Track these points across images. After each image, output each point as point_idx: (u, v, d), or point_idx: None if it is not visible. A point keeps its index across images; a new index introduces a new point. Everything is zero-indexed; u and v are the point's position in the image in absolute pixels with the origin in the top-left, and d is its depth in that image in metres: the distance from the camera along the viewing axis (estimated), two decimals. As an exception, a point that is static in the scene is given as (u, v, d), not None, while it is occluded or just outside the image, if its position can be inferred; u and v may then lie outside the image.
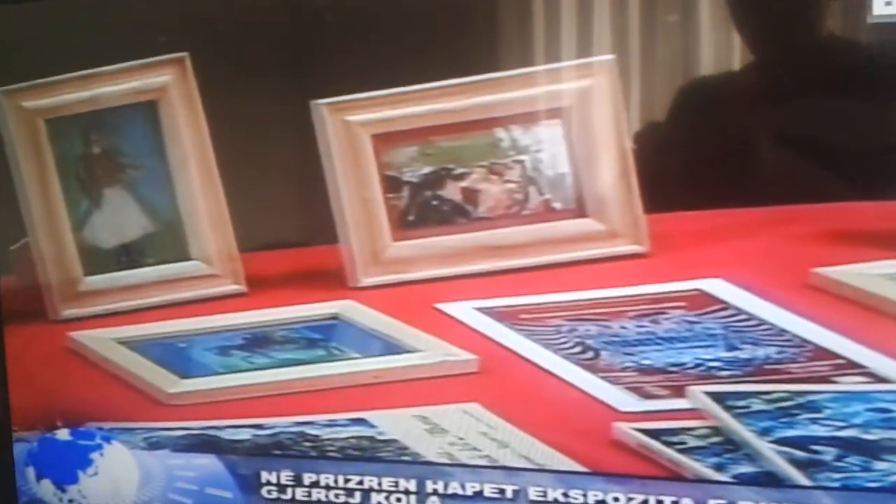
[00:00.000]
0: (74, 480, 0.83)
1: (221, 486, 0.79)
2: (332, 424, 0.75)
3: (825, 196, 0.65)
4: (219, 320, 0.78)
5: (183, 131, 0.75)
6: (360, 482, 0.75)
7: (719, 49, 0.66)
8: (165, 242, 0.78)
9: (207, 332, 0.78)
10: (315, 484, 0.76)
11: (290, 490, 0.77)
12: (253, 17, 0.74)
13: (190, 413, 0.78)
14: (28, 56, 0.79)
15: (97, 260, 0.79)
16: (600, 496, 0.70)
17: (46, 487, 0.83)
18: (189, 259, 0.77)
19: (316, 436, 0.76)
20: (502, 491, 0.72)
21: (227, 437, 0.78)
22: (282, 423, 0.76)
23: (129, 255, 0.79)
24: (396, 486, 0.75)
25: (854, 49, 0.64)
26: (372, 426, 0.75)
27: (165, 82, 0.75)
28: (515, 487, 0.72)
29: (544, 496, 0.71)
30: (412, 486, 0.74)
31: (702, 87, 0.67)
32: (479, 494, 0.73)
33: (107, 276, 0.79)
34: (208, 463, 0.79)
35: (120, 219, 0.78)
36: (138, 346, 0.79)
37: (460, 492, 0.73)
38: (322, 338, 0.76)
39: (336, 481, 0.76)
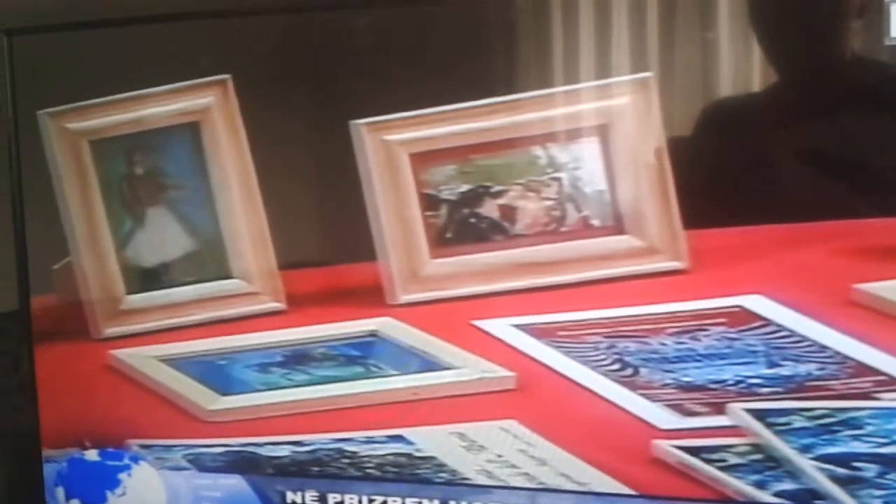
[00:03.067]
0: (103, 500, 0.83)
1: (248, 505, 0.79)
2: (370, 441, 0.76)
3: (866, 212, 0.65)
4: (259, 338, 0.78)
5: (225, 152, 0.76)
6: (385, 502, 0.75)
7: (756, 67, 0.67)
8: (207, 261, 0.78)
9: (247, 350, 0.78)
10: (340, 504, 0.77)
11: (315, 510, 0.77)
12: (293, 40, 0.75)
13: (229, 430, 0.79)
14: (73, 79, 0.80)
15: (139, 278, 0.80)
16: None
17: (76, 508, 0.84)
18: (230, 277, 0.78)
19: (354, 452, 0.76)
20: (524, 511, 0.72)
21: (266, 453, 0.78)
22: (320, 439, 0.77)
23: (170, 274, 0.80)
24: (421, 506, 0.75)
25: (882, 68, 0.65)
26: (410, 443, 0.75)
27: (208, 104, 0.76)
28: (538, 508, 0.72)
29: (566, 517, 0.71)
30: (436, 506, 0.74)
31: (737, 106, 0.68)
32: (502, 515, 0.73)
33: (148, 294, 0.80)
34: (234, 483, 0.79)
35: (162, 238, 0.79)
36: (179, 363, 0.80)
37: (484, 512, 0.73)
38: (361, 355, 0.76)
39: (360, 501, 0.76)
